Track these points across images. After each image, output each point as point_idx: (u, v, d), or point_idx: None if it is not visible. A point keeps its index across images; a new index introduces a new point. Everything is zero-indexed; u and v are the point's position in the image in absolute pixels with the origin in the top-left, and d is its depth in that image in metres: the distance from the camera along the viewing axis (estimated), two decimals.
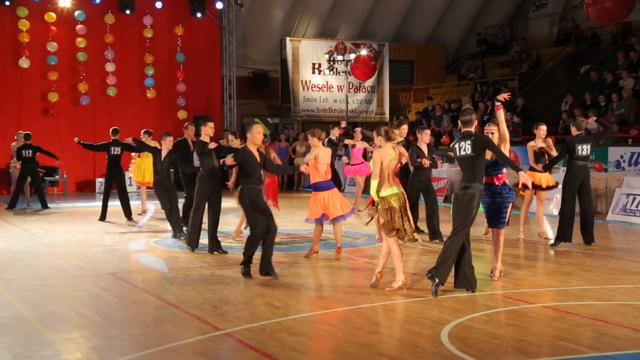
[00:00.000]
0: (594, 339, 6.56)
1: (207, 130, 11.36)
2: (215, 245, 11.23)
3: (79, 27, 23.70)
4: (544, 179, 12.21)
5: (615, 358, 6.05)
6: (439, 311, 7.58)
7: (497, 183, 8.92)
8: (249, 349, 6.35)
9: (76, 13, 23.62)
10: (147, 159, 16.38)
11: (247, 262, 9.41)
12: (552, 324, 7.12)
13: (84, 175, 24.46)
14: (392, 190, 8.42)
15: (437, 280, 8.06)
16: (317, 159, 10.50)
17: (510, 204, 9.03)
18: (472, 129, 8.40)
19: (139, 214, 16.72)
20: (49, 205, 18.58)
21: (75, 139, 16.11)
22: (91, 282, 9.45)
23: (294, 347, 6.40)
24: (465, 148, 8.28)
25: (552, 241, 11.91)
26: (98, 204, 20.43)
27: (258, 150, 9.52)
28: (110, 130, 16.17)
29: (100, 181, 23.85)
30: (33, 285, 9.21)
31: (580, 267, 10.12)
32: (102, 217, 15.74)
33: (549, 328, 6.98)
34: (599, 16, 20.46)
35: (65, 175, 23.62)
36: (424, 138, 12.09)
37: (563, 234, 11.63)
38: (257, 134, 9.42)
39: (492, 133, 9.03)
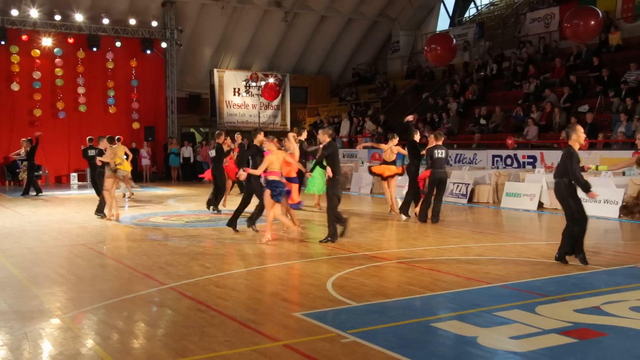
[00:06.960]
0: (430, 284, 6.76)
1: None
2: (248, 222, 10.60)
3: (57, 60, 22.75)
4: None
5: (444, 295, 6.30)
6: (326, 268, 7.67)
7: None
8: (186, 299, 6.25)
9: (55, 50, 22.68)
10: None
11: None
12: (403, 274, 7.32)
13: (61, 170, 23.32)
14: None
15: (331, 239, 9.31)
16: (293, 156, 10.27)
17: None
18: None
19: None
20: (30, 192, 17.78)
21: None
22: (67, 250, 9.06)
23: (220, 296, 6.33)
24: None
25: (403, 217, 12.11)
26: (72, 192, 19.61)
27: None
28: (87, 138, 16.53)
29: (74, 175, 23.03)
30: (23, 253, 8.76)
31: (422, 234, 10.43)
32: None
33: (400, 277, 7.17)
34: (433, 59, 21.37)
35: (47, 171, 22.61)
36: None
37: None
38: (581, 133, 7.36)
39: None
